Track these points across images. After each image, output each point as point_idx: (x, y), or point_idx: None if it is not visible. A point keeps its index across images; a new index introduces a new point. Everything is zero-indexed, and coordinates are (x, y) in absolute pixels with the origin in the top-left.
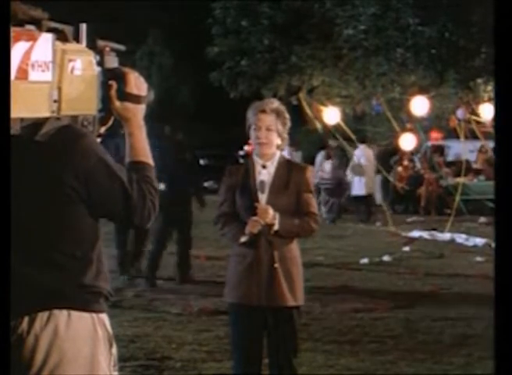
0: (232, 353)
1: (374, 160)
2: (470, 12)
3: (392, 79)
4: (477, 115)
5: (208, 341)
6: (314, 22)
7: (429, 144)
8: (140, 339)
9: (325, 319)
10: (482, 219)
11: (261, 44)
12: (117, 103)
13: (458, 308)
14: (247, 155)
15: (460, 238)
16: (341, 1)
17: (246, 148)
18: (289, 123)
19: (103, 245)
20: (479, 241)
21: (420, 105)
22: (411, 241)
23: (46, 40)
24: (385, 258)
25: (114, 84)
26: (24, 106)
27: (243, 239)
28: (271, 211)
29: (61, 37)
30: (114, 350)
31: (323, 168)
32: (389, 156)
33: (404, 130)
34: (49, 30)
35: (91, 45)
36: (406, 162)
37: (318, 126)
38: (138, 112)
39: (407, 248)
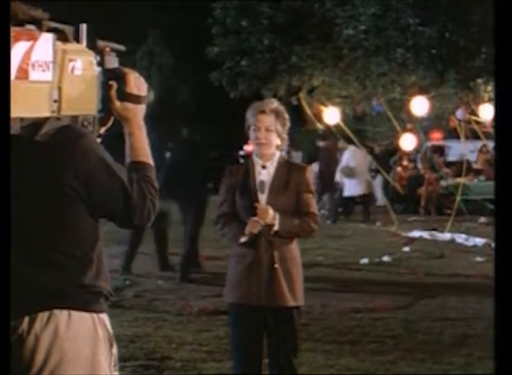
0: (232, 353)
1: (367, 160)
2: (470, 12)
3: (393, 79)
4: (477, 115)
5: (208, 341)
6: (314, 22)
7: (429, 144)
8: (140, 339)
9: (325, 319)
10: (482, 219)
11: (261, 44)
12: (117, 103)
13: (458, 308)
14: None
15: (460, 238)
16: (341, 1)
17: (246, 148)
18: (288, 124)
19: (103, 245)
20: (479, 241)
21: (420, 106)
22: (411, 241)
23: (46, 40)
24: (385, 258)
25: (114, 84)
26: (24, 106)
27: (243, 239)
28: (271, 211)
29: (61, 37)
30: (114, 350)
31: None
32: (389, 156)
33: (404, 130)
34: (49, 30)
35: (92, 45)
36: (405, 162)
37: (319, 126)
38: (138, 112)
39: (407, 248)
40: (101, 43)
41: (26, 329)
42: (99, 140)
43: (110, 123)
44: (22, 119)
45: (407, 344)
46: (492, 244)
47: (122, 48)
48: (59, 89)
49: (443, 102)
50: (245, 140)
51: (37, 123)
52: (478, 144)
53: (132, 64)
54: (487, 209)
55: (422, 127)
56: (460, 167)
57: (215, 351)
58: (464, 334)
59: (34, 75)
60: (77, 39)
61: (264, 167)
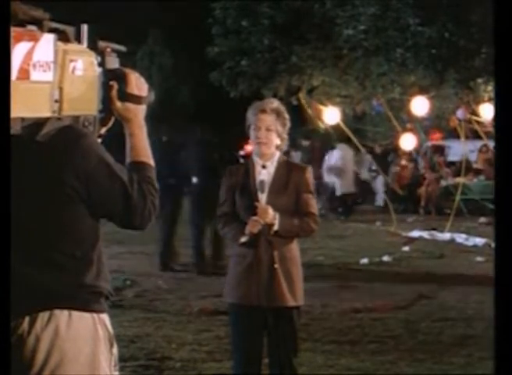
0: (232, 353)
1: (352, 160)
2: (470, 12)
3: (393, 79)
4: (477, 115)
5: (208, 341)
6: (314, 22)
7: (429, 144)
8: (140, 339)
9: (325, 319)
10: (482, 219)
11: (261, 44)
12: (118, 104)
13: (458, 308)
14: (247, 155)
15: (460, 238)
16: (341, 2)
17: (246, 147)
18: (288, 124)
19: (103, 245)
20: (479, 241)
21: (420, 106)
22: (411, 240)
23: (48, 40)
24: (385, 258)
25: (115, 85)
26: (25, 106)
27: (243, 239)
28: (271, 211)
29: (62, 37)
30: (115, 350)
31: None
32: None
33: (404, 130)
34: (51, 31)
35: (92, 46)
36: (403, 162)
37: (321, 126)
38: (139, 112)
39: (407, 248)
40: (102, 43)
41: (27, 329)
42: (100, 140)
43: (111, 124)
44: (23, 120)
45: (407, 345)
46: (492, 244)
47: (123, 48)
48: (60, 89)
49: (443, 102)
50: (245, 140)
51: (38, 124)
52: (478, 144)
53: (132, 64)
54: (487, 209)
55: (422, 127)
56: (459, 167)
57: (215, 351)
58: (464, 334)
59: (35, 75)
60: (78, 39)
61: (264, 167)
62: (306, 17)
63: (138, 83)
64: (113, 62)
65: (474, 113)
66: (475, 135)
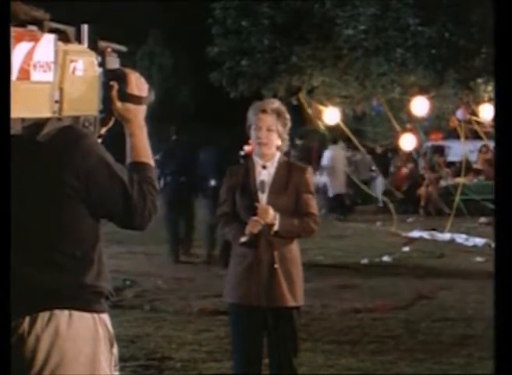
0: (233, 353)
1: (343, 160)
2: (470, 12)
3: (393, 79)
4: (477, 115)
5: (208, 341)
6: (314, 22)
7: (429, 144)
8: (140, 339)
9: (325, 319)
10: (482, 219)
11: (261, 44)
12: (118, 104)
13: (458, 308)
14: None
15: (460, 238)
16: (341, 2)
17: (246, 148)
18: (289, 124)
19: (103, 245)
20: (479, 241)
21: (420, 106)
22: (411, 241)
23: (48, 40)
24: (385, 258)
25: (115, 85)
26: (26, 106)
27: (243, 239)
28: (271, 211)
29: (63, 37)
30: (115, 350)
31: None
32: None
33: (404, 130)
34: (51, 31)
35: (93, 46)
36: (399, 163)
37: (321, 126)
38: (139, 112)
39: (407, 248)
40: (102, 44)
41: (27, 329)
42: (100, 140)
43: (111, 124)
44: (23, 120)
45: (407, 345)
46: (492, 244)
47: (123, 48)
48: (60, 90)
49: (443, 102)
50: (245, 140)
51: (39, 124)
52: (478, 144)
53: (132, 64)
54: (487, 209)
55: (422, 127)
56: (459, 167)
57: (215, 351)
58: (464, 334)
59: (36, 75)
60: (79, 40)
61: (264, 167)
62: (306, 17)
63: (138, 84)
64: (114, 63)
65: (474, 113)
66: (475, 135)
